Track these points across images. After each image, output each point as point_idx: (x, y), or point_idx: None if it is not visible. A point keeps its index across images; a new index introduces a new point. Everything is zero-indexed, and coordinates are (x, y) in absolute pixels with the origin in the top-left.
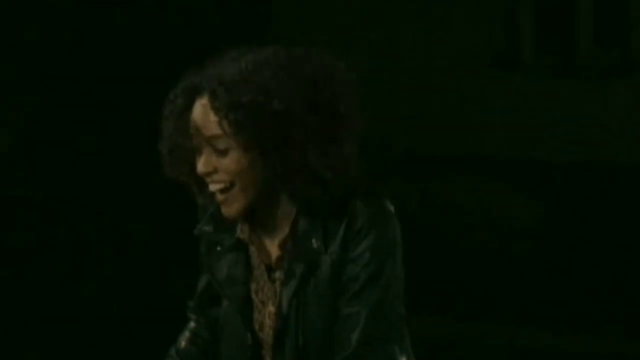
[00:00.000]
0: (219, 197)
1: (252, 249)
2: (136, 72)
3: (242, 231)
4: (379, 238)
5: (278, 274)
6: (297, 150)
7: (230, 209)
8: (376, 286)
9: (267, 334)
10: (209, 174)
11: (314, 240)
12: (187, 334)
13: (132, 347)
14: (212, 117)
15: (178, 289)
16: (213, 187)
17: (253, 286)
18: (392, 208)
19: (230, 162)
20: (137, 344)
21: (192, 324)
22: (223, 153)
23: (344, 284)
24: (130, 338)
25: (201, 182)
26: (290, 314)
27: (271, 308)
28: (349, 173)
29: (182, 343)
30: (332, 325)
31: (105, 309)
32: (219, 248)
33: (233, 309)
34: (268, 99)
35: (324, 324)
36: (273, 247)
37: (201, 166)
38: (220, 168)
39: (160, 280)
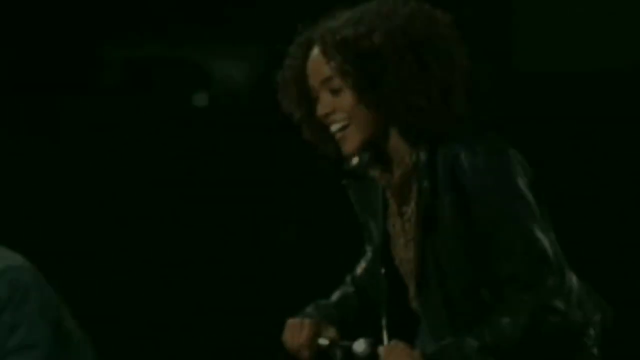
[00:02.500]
0: (338, 135)
1: (383, 186)
2: None
3: (372, 171)
4: (498, 177)
5: (404, 209)
6: (404, 86)
7: (349, 146)
8: (513, 229)
9: (404, 266)
10: (327, 115)
11: (425, 181)
12: (362, 263)
13: None
14: (323, 60)
15: None
16: (333, 128)
17: (390, 221)
18: (504, 147)
19: (344, 100)
20: None
21: (369, 254)
22: (337, 93)
23: (480, 227)
24: None
25: (320, 126)
26: (425, 252)
27: (402, 240)
28: (456, 112)
29: (358, 271)
30: (465, 258)
31: None
32: (359, 189)
33: (372, 242)
34: (371, 38)
35: (456, 260)
36: (395, 180)
37: (320, 109)
38: (336, 108)
39: None
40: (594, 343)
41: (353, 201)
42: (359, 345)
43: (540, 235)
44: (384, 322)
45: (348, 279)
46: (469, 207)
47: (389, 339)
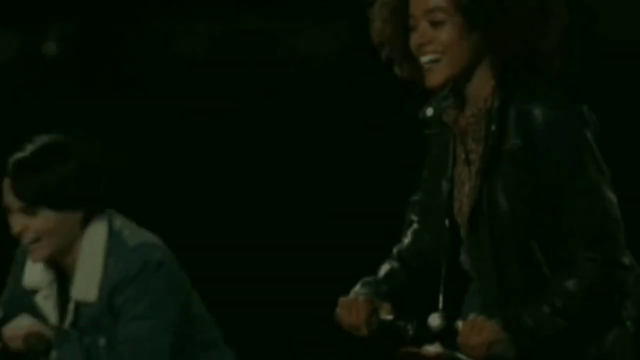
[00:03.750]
0: (427, 66)
1: (455, 132)
2: None
3: (448, 113)
4: (570, 133)
5: (472, 156)
6: (508, 25)
7: (436, 79)
8: (585, 184)
9: (464, 215)
10: (422, 44)
11: (494, 125)
12: (408, 234)
13: None
14: None
15: None
16: (424, 58)
17: (456, 171)
18: (578, 105)
19: (445, 33)
20: None
21: (414, 226)
22: (439, 25)
23: (545, 179)
24: None
25: (410, 58)
26: (483, 195)
27: (467, 188)
28: (552, 63)
29: (403, 243)
30: (522, 207)
31: None
32: (432, 132)
33: (438, 193)
34: None
35: (515, 211)
36: (466, 121)
37: (416, 37)
38: (434, 39)
39: None
40: (629, 316)
41: (429, 153)
42: (434, 319)
43: (608, 192)
44: (442, 278)
45: (394, 252)
46: (536, 158)
47: (444, 300)
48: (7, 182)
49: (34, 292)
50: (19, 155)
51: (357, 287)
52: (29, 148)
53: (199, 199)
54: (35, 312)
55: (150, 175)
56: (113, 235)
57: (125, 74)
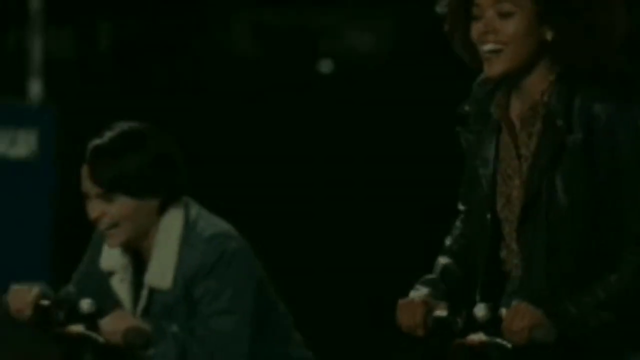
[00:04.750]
0: (487, 56)
1: (503, 127)
2: None
3: (497, 106)
4: (631, 130)
5: (523, 151)
6: (577, 19)
7: (495, 69)
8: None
9: (513, 208)
10: (486, 33)
11: (558, 120)
12: (457, 227)
13: None
14: None
15: None
16: (486, 47)
17: (501, 165)
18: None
19: (512, 25)
20: None
21: (458, 223)
22: (506, 16)
23: (604, 175)
24: None
25: (470, 48)
26: (541, 189)
27: (517, 181)
28: (615, 59)
29: (453, 236)
30: (582, 208)
31: None
32: (471, 137)
33: (480, 189)
34: None
35: (573, 204)
36: (521, 111)
37: (482, 26)
38: (499, 30)
39: None
40: None
41: (464, 149)
42: (480, 310)
43: None
44: (481, 274)
45: (446, 244)
46: (596, 152)
47: (482, 293)
48: (85, 169)
49: (109, 274)
50: (97, 141)
51: (417, 286)
52: (107, 135)
53: (270, 188)
54: (108, 294)
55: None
56: (188, 224)
57: (180, 71)
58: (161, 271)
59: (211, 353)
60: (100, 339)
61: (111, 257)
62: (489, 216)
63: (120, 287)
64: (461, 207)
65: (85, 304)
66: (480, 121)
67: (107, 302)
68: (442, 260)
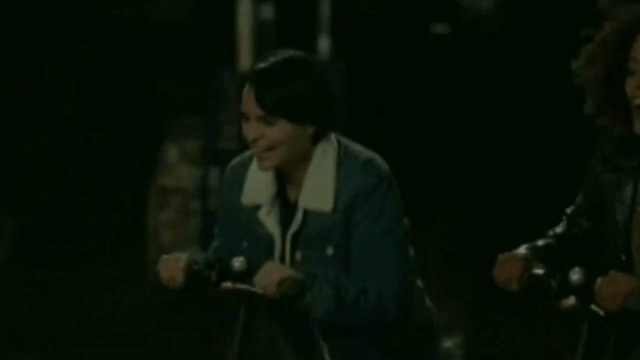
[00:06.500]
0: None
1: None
2: None
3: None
4: None
5: None
6: None
7: None
8: None
9: None
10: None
11: None
12: (557, 230)
13: None
14: None
15: None
16: (638, 101)
17: (638, 208)
18: None
19: None
20: None
21: (561, 226)
22: None
23: None
24: None
25: (613, 102)
26: None
27: None
28: None
29: (562, 228)
30: None
31: None
32: (610, 177)
33: (614, 224)
34: None
35: None
36: None
37: (637, 81)
38: None
39: None
40: None
41: (601, 183)
42: (575, 274)
43: None
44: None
45: (550, 235)
46: None
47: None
48: (248, 90)
49: (253, 209)
50: (262, 64)
51: (519, 248)
52: (272, 59)
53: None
54: (252, 231)
55: None
56: (343, 149)
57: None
58: (320, 193)
59: (363, 284)
60: (258, 290)
61: (256, 191)
62: (623, 258)
63: (268, 219)
64: (565, 222)
65: (238, 262)
66: (622, 161)
67: (256, 242)
68: (549, 239)
